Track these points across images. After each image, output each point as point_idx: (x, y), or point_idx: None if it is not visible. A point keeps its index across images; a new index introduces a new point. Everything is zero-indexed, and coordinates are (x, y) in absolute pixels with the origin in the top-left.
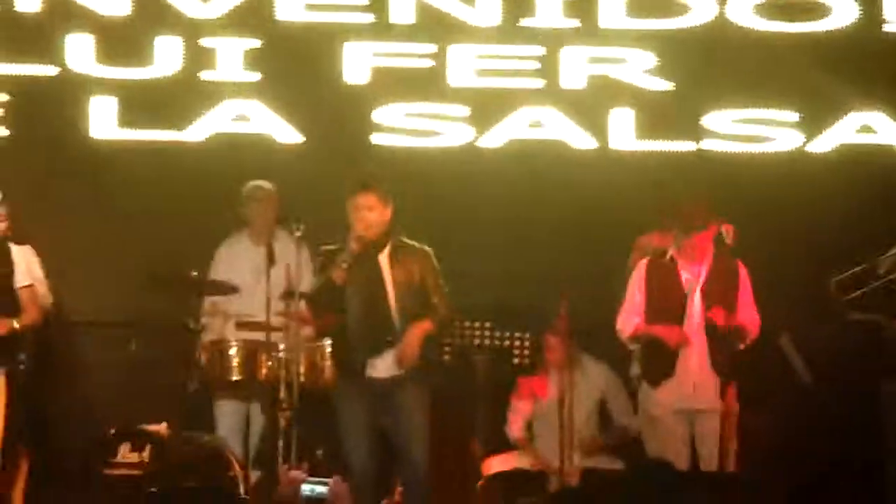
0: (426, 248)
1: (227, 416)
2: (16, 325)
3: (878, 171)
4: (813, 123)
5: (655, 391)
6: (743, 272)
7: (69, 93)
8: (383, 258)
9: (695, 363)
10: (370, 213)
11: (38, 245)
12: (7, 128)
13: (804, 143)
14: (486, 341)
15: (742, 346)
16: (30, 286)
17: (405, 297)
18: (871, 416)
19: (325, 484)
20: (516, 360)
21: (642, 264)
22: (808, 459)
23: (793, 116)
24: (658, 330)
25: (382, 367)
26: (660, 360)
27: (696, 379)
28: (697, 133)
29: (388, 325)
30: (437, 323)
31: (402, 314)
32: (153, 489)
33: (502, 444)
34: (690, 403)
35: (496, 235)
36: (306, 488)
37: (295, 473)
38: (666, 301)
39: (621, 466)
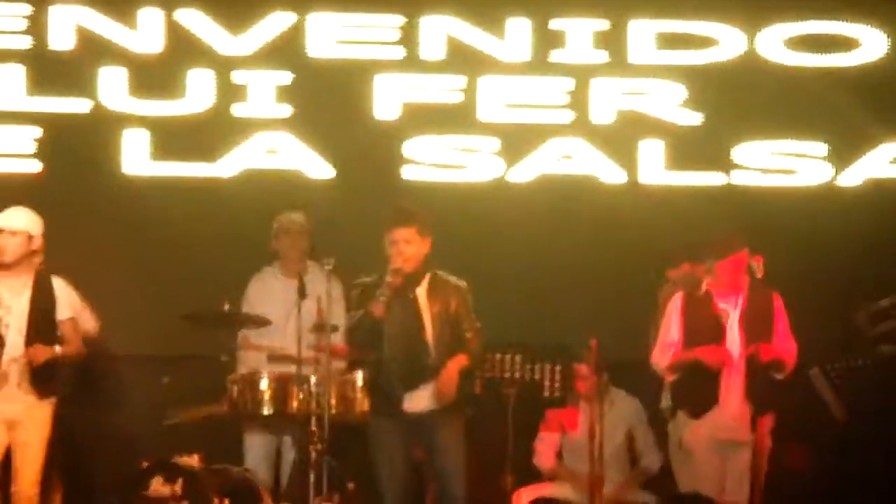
0: (461, 282)
1: (257, 448)
2: (57, 350)
3: None
4: (842, 156)
5: (696, 422)
6: (778, 303)
7: (102, 127)
8: (421, 291)
9: (736, 394)
10: (408, 247)
11: (71, 278)
12: (41, 162)
13: (834, 176)
14: (516, 374)
15: (780, 377)
16: (71, 319)
17: (442, 331)
18: None
19: None
20: (546, 393)
21: (677, 298)
22: (838, 494)
23: (822, 149)
24: (698, 352)
25: (419, 400)
26: (702, 391)
27: (736, 410)
28: (727, 166)
29: (425, 359)
30: (471, 357)
31: (439, 348)
32: None
33: (532, 477)
34: (731, 435)
35: (525, 269)
36: None
37: None
38: (703, 334)
39: (651, 499)
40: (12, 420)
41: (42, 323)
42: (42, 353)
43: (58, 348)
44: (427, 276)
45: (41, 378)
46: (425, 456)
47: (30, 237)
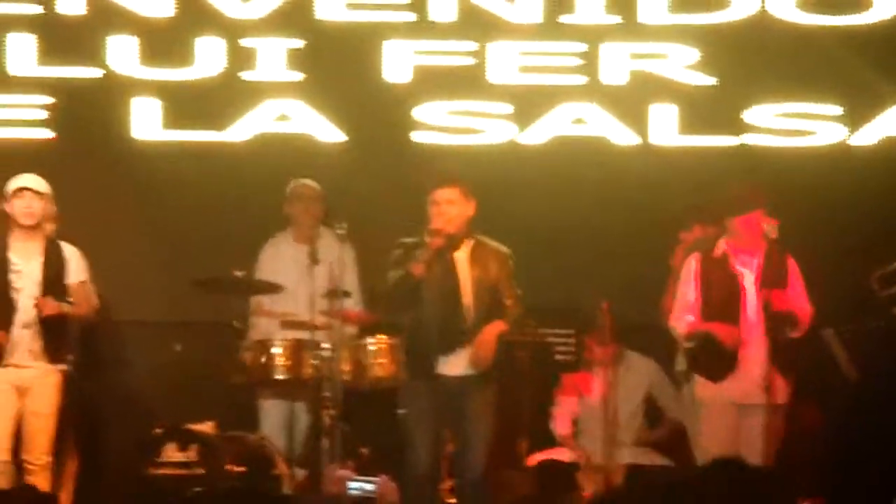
0: (504, 248)
1: (272, 414)
2: (66, 308)
3: None
4: (856, 116)
5: (715, 386)
6: (793, 265)
7: (112, 95)
8: (461, 255)
9: (756, 357)
10: (451, 208)
11: (83, 246)
12: (52, 130)
13: (847, 137)
14: (530, 338)
15: (795, 335)
16: (83, 283)
17: (481, 297)
18: None
19: (372, 482)
20: (560, 357)
21: (694, 260)
22: (852, 454)
23: (836, 110)
24: (715, 328)
25: (454, 365)
26: (722, 357)
27: (757, 373)
28: (740, 128)
29: (462, 324)
30: (510, 324)
31: (476, 313)
32: (197, 489)
33: (548, 442)
34: (749, 398)
35: (537, 232)
36: (353, 486)
37: (342, 472)
38: (721, 297)
39: (668, 463)
40: (23, 387)
41: (54, 287)
42: (51, 305)
43: (66, 308)
44: (470, 241)
45: (52, 344)
46: (453, 421)
47: (49, 201)
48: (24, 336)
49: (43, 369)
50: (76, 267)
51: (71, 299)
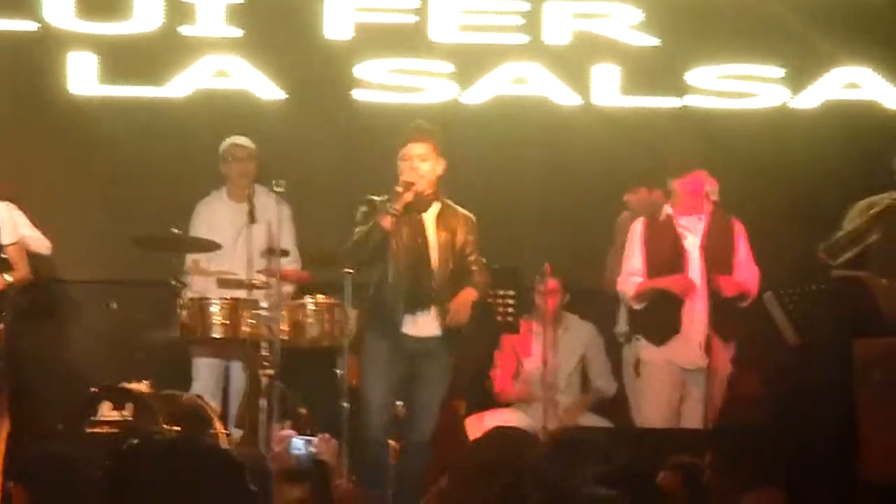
0: (470, 214)
1: (206, 373)
2: (7, 278)
3: (862, 127)
4: (798, 79)
5: (658, 349)
6: (738, 227)
7: (48, 48)
8: (429, 216)
9: (699, 321)
10: (422, 164)
11: (19, 202)
12: None
13: (789, 99)
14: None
15: (744, 305)
16: (15, 243)
17: (446, 260)
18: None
19: (313, 441)
20: (499, 318)
21: (639, 224)
22: (793, 418)
23: (778, 72)
24: (663, 282)
25: (418, 325)
26: (664, 318)
27: (698, 337)
28: (682, 89)
29: (428, 284)
30: (480, 292)
31: (441, 276)
32: (133, 441)
33: (485, 403)
34: (695, 361)
35: (478, 193)
36: (296, 445)
37: (284, 432)
38: (666, 260)
39: (604, 423)
40: None
41: None
42: None
43: (6, 276)
44: (438, 203)
45: None
46: (410, 381)
47: None
48: None
49: None
50: (9, 227)
51: (6, 261)
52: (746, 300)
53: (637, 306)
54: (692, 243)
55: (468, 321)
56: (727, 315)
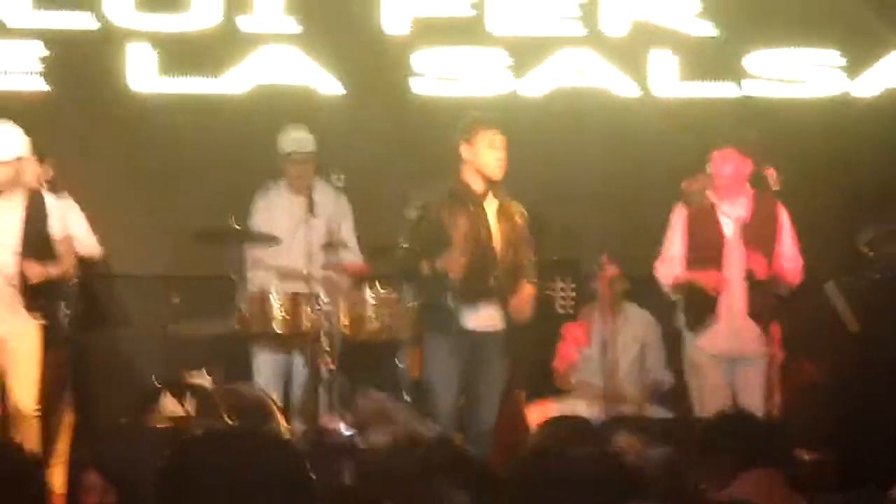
0: (521, 207)
1: (268, 366)
2: (51, 271)
3: None
4: (858, 65)
5: (697, 338)
6: (783, 215)
7: (108, 44)
8: (491, 209)
9: (737, 309)
10: (503, 155)
11: (80, 199)
12: (46, 79)
13: (849, 86)
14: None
15: (783, 292)
16: (66, 237)
17: (508, 252)
18: None
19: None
20: (560, 310)
21: (681, 210)
22: (852, 406)
23: (837, 58)
24: (696, 276)
25: (481, 319)
26: (701, 307)
27: (738, 325)
28: (740, 76)
29: (491, 278)
30: (535, 287)
31: (504, 268)
32: (196, 432)
33: (547, 392)
34: (733, 350)
35: (538, 184)
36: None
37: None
38: (706, 248)
39: (667, 414)
40: (2, 340)
41: (36, 241)
42: (35, 271)
43: (50, 268)
44: (498, 195)
45: (33, 299)
46: (472, 375)
47: (18, 160)
48: (5, 291)
49: (23, 323)
50: (59, 220)
51: (55, 253)
52: (784, 288)
53: (674, 296)
54: (733, 231)
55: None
56: (767, 304)
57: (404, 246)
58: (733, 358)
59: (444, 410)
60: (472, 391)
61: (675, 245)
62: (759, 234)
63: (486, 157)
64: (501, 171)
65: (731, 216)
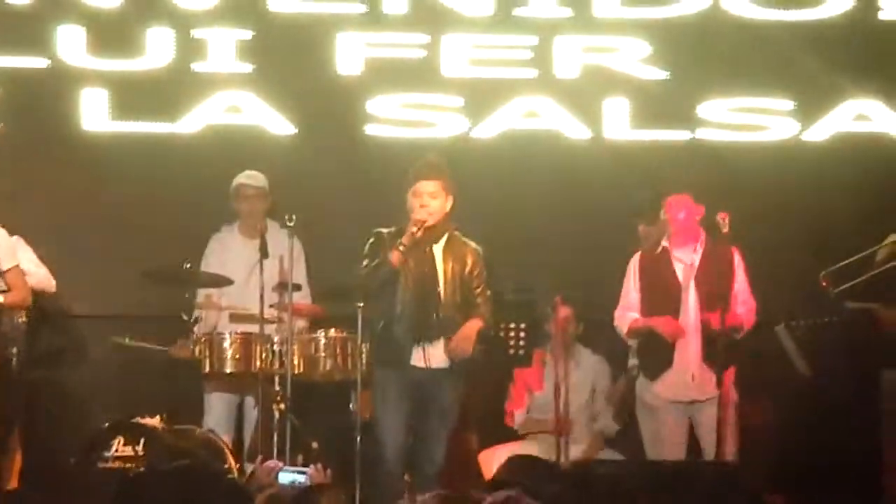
0: (478, 246)
1: (219, 407)
2: (0, 300)
3: (874, 159)
4: (808, 112)
5: (653, 383)
6: (737, 258)
7: (61, 85)
8: (438, 249)
9: (693, 354)
10: (433, 201)
11: (32, 237)
12: None
13: (800, 132)
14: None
15: (738, 337)
16: (15, 267)
17: (454, 291)
18: (871, 406)
19: (303, 471)
20: (511, 351)
21: (636, 258)
22: (806, 448)
23: (788, 105)
24: (654, 322)
25: (427, 357)
26: (657, 353)
27: (694, 370)
28: (692, 122)
29: (437, 316)
30: (485, 322)
31: (450, 307)
32: (139, 469)
33: (498, 437)
34: (689, 395)
35: (490, 226)
36: (284, 477)
37: (271, 463)
38: (661, 294)
39: (616, 457)
40: None
41: None
42: None
43: (1, 297)
44: (446, 235)
45: None
46: (419, 413)
47: None
48: None
49: None
50: (8, 252)
51: (5, 285)
52: (740, 333)
53: (630, 342)
54: (687, 275)
55: (472, 352)
56: (720, 348)
57: (364, 263)
58: (691, 402)
59: (391, 446)
60: (420, 429)
61: (631, 292)
62: (712, 278)
63: (410, 203)
64: (425, 217)
65: (685, 261)
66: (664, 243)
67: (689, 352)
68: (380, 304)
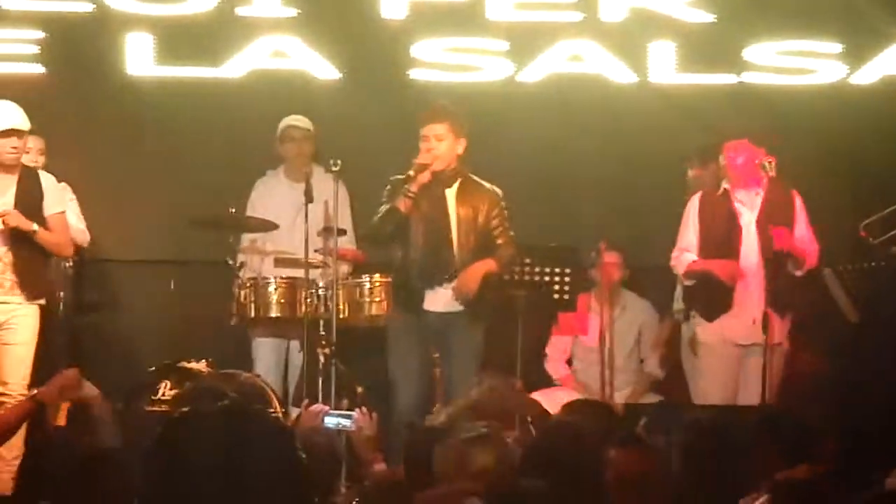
0: (496, 189)
1: (266, 353)
2: (34, 227)
3: None
4: (856, 54)
5: (712, 325)
6: (798, 202)
7: (105, 29)
8: (451, 193)
9: (754, 297)
10: (439, 144)
11: (76, 184)
12: (43, 65)
13: (848, 75)
14: (526, 277)
15: (800, 273)
16: (60, 213)
17: (468, 235)
18: None
19: (349, 415)
20: (556, 296)
21: (695, 199)
22: (853, 397)
23: (836, 47)
24: (712, 265)
25: (440, 301)
26: (717, 295)
27: (754, 313)
28: (739, 65)
29: (449, 260)
30: (501, 264)
31: (463, 251)
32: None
33: (541, 381)
34: (748, 337)
35: (535, 170)
36: (330, 420)
37: (317, 407)
38: (720, 236)
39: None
40: None
41: (28, 217)
42: (16, 218)
43: (35, 227)
44: (460, 179)
45: (28, 279)
46: (440, 357)
47: (17, 133)
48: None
49: (18, 304)
50: (53, 198)
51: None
52: (800, 266)
53: (687, 283)
54: (748, 218)
55: (479, 293)
56: (784, 290)
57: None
58: (748, 345)
59: (406, 391)
60: (443, 376)
61: (689, 233)
62: (775, 220)
63: (420, 147)
64: (429, 160)
65: (747, 203)
66: (725, 185)
67: (750, 295)
68: (394, 250)
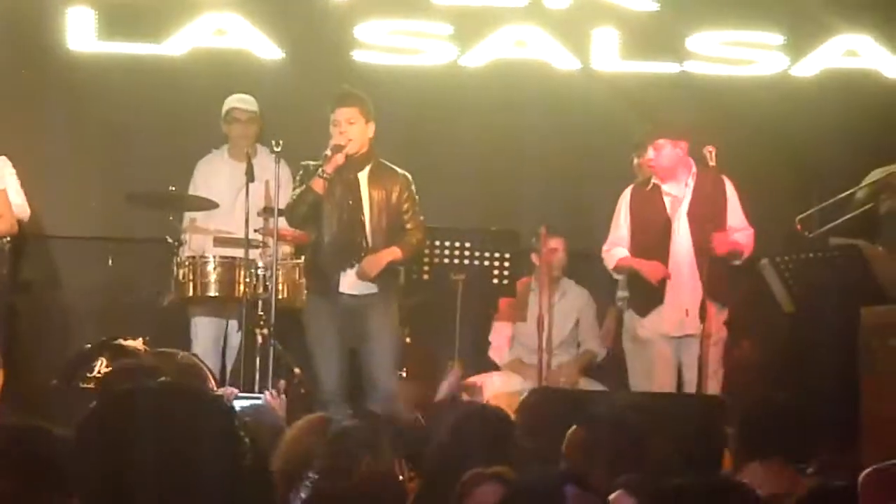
0: (405, 172)
1: (204, 332)
2: None
3: (862, 96)
4: (798, 46)
5: (644, 319)
6: (730, 187)
7: (47, 3)
8: (363, 176)
9: (687, 289)
10: (350, 127)
11: (16, 158)
12: None
13: (789, 67)
14: (465, 262)
15: (738, 263)
16: (2, 191)
17: (381, 218)
18: (852, 343)
19: (257, 398)
20: (496, 281)
21: (626, 193)
22: (787, 386)
23: (778, 39)
24: (639, 265)
25: (354, 283)
26: (647, 289)
27: (687, 305)
28: (681, 54)
29: (361, 242)
30: (407, 251)
31: (376, 234)
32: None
33: (481, 365)
34: (683, 329)
35: (477, 155)
36: (238, 405)
37: (228, 389)
38: (651, 230)
39: (598, 387)
40: None
41: None
42: None
43: None
44: (371, 163)
45: None
46: (354, 339)
47: None
48: None
49: None
50: None
51: None
52: (739, 258)
53: (616, 277)
54: (679, 210)
55: (386, 278)
56: (720, 280)
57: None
58: (681, 337)
59: (324, 373)
60: (363, 358)
61: (620, 227)
62: (706, 210)
63: (332, 132)
64: (343, 142)
65: (677, 195)
66: (655, 180)
67: (681, 287)
68: (309, 232)
